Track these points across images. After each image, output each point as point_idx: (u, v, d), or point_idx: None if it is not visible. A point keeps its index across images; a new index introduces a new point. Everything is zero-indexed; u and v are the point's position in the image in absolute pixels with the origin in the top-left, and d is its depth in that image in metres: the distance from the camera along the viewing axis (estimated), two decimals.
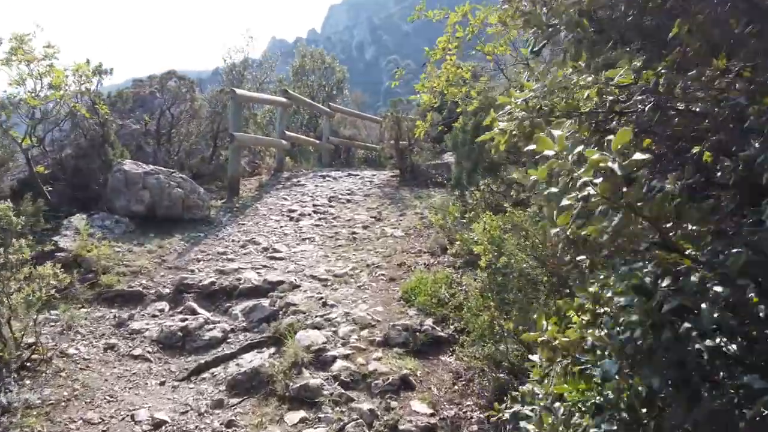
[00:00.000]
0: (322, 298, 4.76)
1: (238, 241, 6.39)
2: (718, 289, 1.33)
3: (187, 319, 4.49)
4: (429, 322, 4.20)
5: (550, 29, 2.89)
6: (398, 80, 5.87)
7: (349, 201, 8.57)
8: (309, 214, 7.71)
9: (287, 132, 10.68)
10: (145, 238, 6.14)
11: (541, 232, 3.45)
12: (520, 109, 2.33)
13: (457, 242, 5.00)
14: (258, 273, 5.36)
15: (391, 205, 8.14)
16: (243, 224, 7.12)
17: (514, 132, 2.33)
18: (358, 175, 11.46)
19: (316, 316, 4.39)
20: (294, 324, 4.20)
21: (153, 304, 4.88)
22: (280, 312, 4.56)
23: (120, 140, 7.76)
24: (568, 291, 3.01)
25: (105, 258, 5.24)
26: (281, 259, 5.88)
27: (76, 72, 6.67)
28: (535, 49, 3.73)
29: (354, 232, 6.71)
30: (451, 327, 4.19)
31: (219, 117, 9.64)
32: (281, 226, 7.10)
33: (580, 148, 1.52)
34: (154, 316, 4.70)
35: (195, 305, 4.75)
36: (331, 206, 8.23)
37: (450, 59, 5.57)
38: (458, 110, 6.31)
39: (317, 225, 7.17)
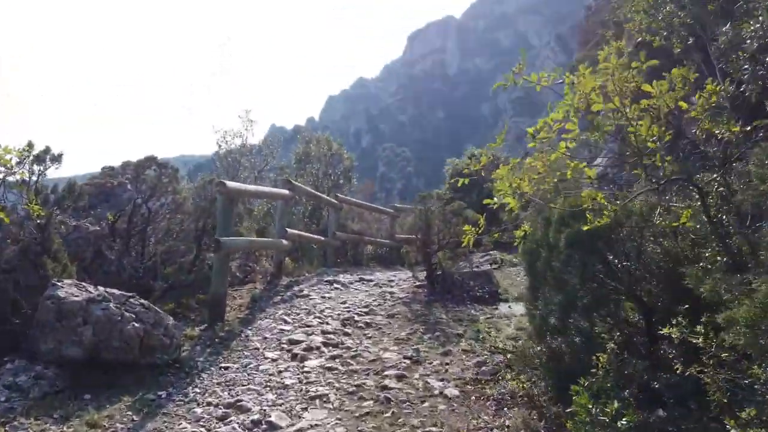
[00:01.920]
0: None
1: (217, 406, 4.31)
2: None
3: None
4: None
5: None
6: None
7: (368, 325, 6.56)
8: (317, 348, 5.68)
9: (289, 230, 8.83)
10: (74, 406, 4.07)
11: None
12: None
13: None
14: None
15: (426, 334, 6.12)
16: (226, 370, 5.06)
17: None
18: (372, 280, 9.51)
19: None
20: None
21: None
22: None
23: (70, 248, 5.85)
24: None
25: None
26: None
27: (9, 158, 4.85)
28: None
29: (385, 387, 4.66)
30: None
31: (205, 213, 7.79)
32: (280, 371, 5.05)
33: None
34: None
35: None
36: (346, 333, 6.21)
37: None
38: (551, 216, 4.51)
39: (330, 369, 5.12)
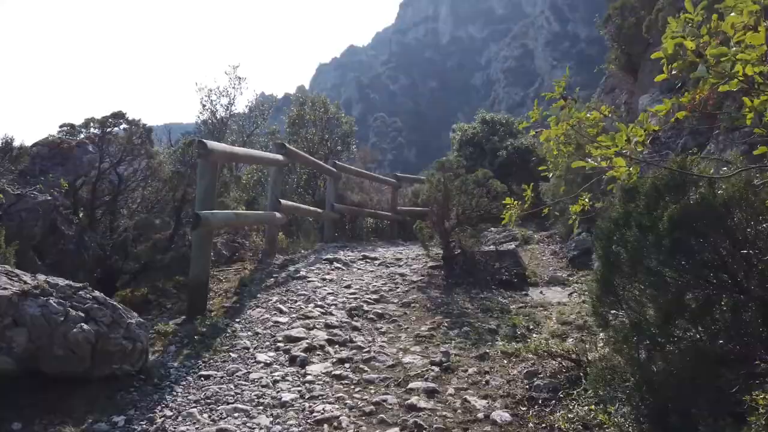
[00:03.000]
0: None
1: None
2: None
3: None
4: None
5: None
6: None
7: (381, 316, 5.47)
8: (321, 348, 4.59)
9: (283, 201, 7.67)
10: None
11: None
12: None
13: None
14: None
15: (452, 329, 5.05)
16: (207, 380, 3.96)
17: None
18: (376, 258, 8.41)
19: None
20: None
21: None
22: None
23: (12, 221, 4.67)
24: None
25: None
26: None
27: None
28: None
29: (412, 406, 3.58)
30: None
31: (185, 180, 6.61)
32: (275, 381, 3.96)
33: None
34: None
35: None
36: (354, 328, 5.13)
37: None
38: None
39: (339, 377, 4.04)
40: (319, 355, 4.48)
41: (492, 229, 9.14)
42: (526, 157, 12.50)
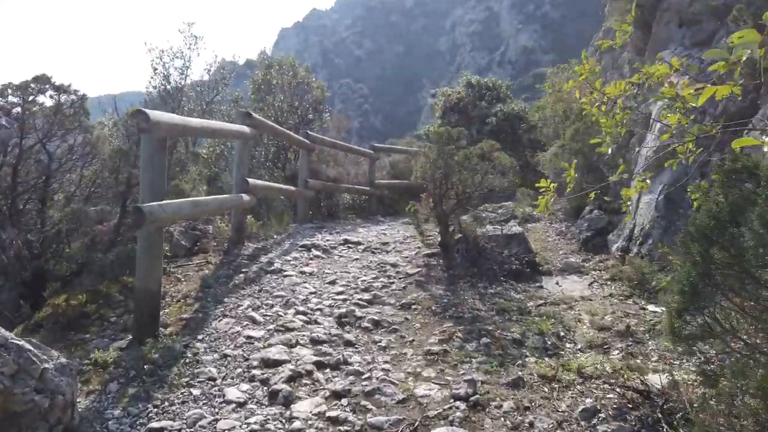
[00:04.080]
0: None
1: None
2: None
3: None
4: None
5: None
6: None
7: (377, 324, 4.49)
8: (308, 374, 3.60)
9: (251, 180, 6.55)
10: None
11: None
12: None
13: None
14: None
15: (468, 342, 4.10)
16: None
17: None
18: (359, 243, 7.42)
19: None
20: None
21: None
22: None
23: None
24: None
25: None
26: None
27: None
28: None
29: None
30: None
31: (130, 159, 5.43)
32: None
33: None
34: None
35: None
36: (347, 342, 4.13)
37: None
38: None
39: (335, 421, 3.06)
40: (306, 385, 3.49)
41: (487, 205, 8.21)
42: (515, 124, 11.57)
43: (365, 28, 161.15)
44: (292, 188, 8.65)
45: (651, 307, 4.77)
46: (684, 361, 3.73)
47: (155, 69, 9.68)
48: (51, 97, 5.41)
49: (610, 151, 3.09)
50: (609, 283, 5.52)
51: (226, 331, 4.26)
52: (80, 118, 5.33)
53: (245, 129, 6.18)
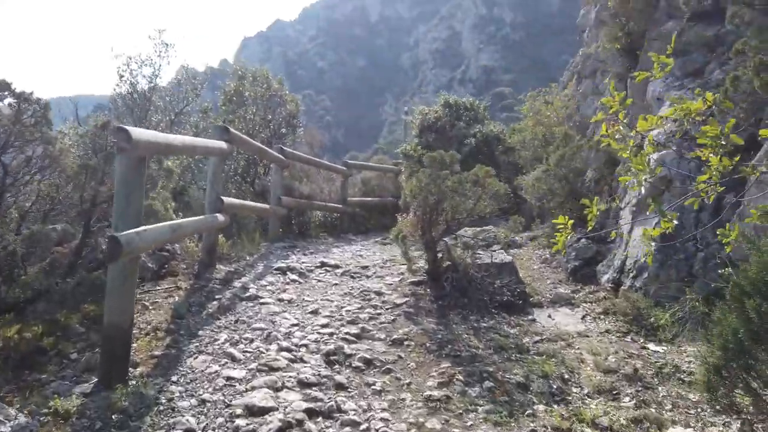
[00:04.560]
0: None
1: None
2: None
3: None
4: None
5: None
6: None
7: (369, 364, 4.14)
8: (299, 424, 3.23)
9: (226, 199, 6.15)
10: None
11: None
12: None
13: None
14: None
15: (470, 386, 3.80)
16: None
17: None
18: (338, 267, 7.10)
19: None
20: None
21: None
22: None
23: None
24: None
25: None
26: None
27: None
28: None
29: None
30: None
31: (96, 175, 4.97)
32: None
33: None
34: None
35: None
36: (339, 385, 3.78)
37: None
38: None
39: None
40: None
41: (467, 229, 7.98)
42: (493, 146, 11.46)
43: (328, 40, 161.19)
44: (266, 206, 8.24)
45: (652, 346, 4.59)
46: (699, 410, 3.54)
47: (122, 76, 9.13)
48: (10, 105, 4.91)
49: (644, 190, 2.86)
50: (602, 317, 5.35)
51: (203, 371, 3.85)
52: (42, 129, 4.84)
53: (223, 145, 5.78)
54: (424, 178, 5.18)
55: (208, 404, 3.43)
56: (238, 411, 3.34)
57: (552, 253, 7.34)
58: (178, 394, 3.50)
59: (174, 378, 3.70)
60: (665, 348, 4.53)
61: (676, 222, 3.10)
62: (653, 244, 5.16)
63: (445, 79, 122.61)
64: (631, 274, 5.53)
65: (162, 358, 3.96)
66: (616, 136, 3.43)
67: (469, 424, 3.30)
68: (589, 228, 3.10)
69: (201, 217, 5.45)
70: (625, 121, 3.42)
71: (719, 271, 4.91)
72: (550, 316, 5.38)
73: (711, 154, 2.79)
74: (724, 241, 3.19)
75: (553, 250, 3.48)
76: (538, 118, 9.63)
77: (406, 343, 4.50)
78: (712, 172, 2.98)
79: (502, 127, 12.24)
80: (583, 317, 5.38)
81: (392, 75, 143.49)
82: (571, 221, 3.47)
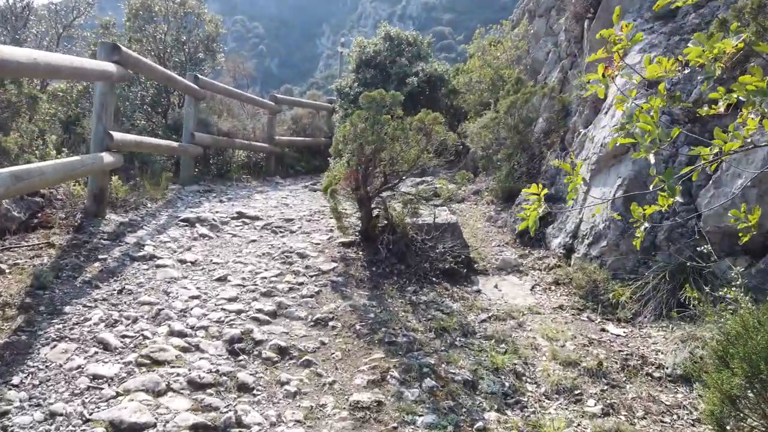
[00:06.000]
0: None
1: None
2: None
3: None
4: None
5: None
6: None
7: (284, 353, 3.33)
8: None
9: (116, 135, 5.02)
10: None
11: None
12: None
13: None
14: None
15: (407, 385, 3.06)
16: None
17: None
18: (258, 218, 6.20)
19: None
20: None
21: None
22: None
23: None
24: None
25: None
26: None
27: None
28: None
29: None
30: None
31: None
32: None
33: None
34: None
35: None
36: (242, 385, 2.95)
37: None
38: None
39: None
40: None
41: (407, 180, 7.19)
42: (437, 86, 10.54)
43: None
44: (174, 144, 7.08)
45: (611, 328, 4.04)
46: (675, 417, 2.99)
47: None
48: None
49: (652, 159, 2.11)
50: (554, 287, 4.76)
51: (60, 366, 2.92)
52: None
53: (109, 66, 4.60)
54: (360, 122, 4.27)
55: (59, 419, 2.53)
56: (98, 430, 2.47)
57: (497, 210, 6.69)
58: (17, 405, 2.58)
59: (15, 379, 2.75)
60: (626, 330, 3.99)
61: (679, 199, 2.38)
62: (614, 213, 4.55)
63: (384, 14, 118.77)
64: (587, 241, 4.94)
65: (4, 349, 2.98)
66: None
67: None
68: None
69: (74, 158, 4.33)
70: (619, 64, 2.61)
71: (687, 241, 4.40)
72: (496, 287, 4.73)
73: (751, 114, 2.06)
74: (740, 226, 2.51)
75: (521, 227, 2.72)
76: (486, 58, 8.80)
77: (331, 324, 3.71)
78: (726, 138, 2.24)
79: (447, 67, 11.32)
80: (533, 288, 4.78)
81: (330, 5, 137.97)
82: (545, 191, 2.69)
